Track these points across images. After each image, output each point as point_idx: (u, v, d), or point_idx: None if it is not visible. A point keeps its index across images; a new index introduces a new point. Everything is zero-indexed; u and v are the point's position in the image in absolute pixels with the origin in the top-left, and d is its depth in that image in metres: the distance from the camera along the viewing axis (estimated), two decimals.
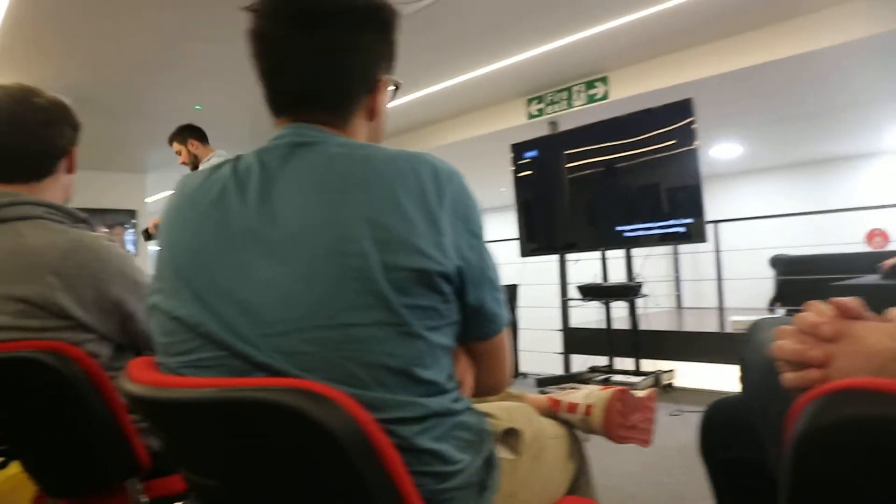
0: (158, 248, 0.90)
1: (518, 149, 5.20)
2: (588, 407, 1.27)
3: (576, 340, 5.51)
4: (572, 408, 1.28)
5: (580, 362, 5.30)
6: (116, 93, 5.77)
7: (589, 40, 5.10)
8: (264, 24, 0.87)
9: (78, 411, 1.21)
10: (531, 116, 6.42)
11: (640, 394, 1.37)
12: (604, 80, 5.89)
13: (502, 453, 0.99)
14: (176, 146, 4.09)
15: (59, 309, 1.23)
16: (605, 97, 5.88)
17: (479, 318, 0.86)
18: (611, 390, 1.30)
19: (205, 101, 6.16)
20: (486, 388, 0.95)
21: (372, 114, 0.94)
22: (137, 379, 0.77)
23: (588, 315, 5.45)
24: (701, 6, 4.57)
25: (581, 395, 1.31)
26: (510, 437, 1.04)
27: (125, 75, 5.28)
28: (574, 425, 1.30)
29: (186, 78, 5.47)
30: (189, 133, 4.06)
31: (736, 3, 4.55)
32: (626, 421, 1.29)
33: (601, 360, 4.98)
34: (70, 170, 1.46)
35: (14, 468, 1.74)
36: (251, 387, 0.66)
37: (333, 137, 0.86)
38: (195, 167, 4.14)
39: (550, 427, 1.20)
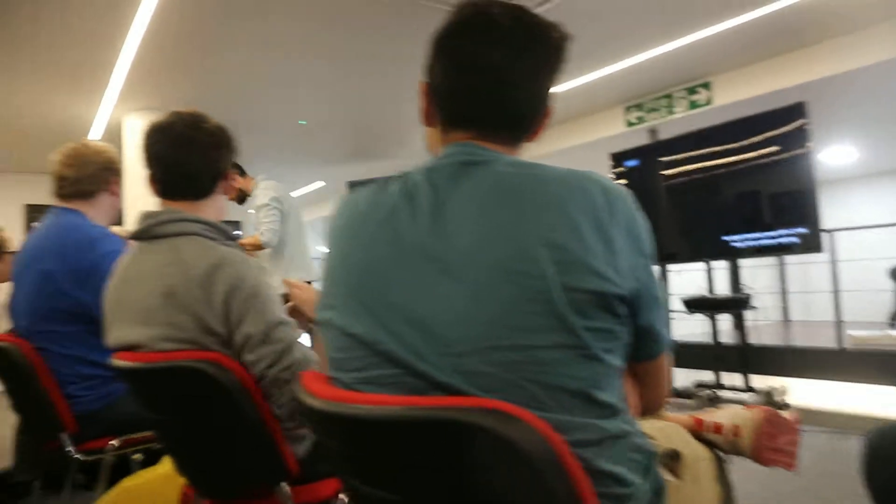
0: (327, 264, 0.94)
1: (618, 158, 5.09)
2: (736, 428, 1.22)
3: (679, 355, 5.30)
4: (718, 428, 1.24)
5: (682, 377, 5.10)
6: (227, 108, 6.05)
7: (691, 46, 4.96)
8: (473, 43, 0.89)
9: (233, 418, 1.28)
10: (629, 124, 6.30)
11: (786, 415, 1.31)
12: (706, 85, 5.70)
13: (665, 476, 0.97)
14: None
15: (204, 322, 1.30)
16: (708, 103, 5.69)
17: (647, 338, 0.86)
18: (759, 411, 1.25)
19: (308, 116, 6.38)
20: (648, 408, 0.93)
21: (535, 136, 0.96)
22: (318, 393, 0.80)
23: (689, 328, 5.25)
24: (812, 6, 4.36)
25: (725, 414, 1.26)
26: (672, 459, 1.01)
27: (236, 92, 5.54)
28: (718, 446, 1.25)
29: (292, 94, 5.69)
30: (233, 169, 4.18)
31: (849, 1, 4.31)
32: (774, 443, 1.24)
33: (706, 375, 4.76)
34: (226, 190, 1.55)
35: (165, 466, 1.86)
36: (443, 406, 0.67)
37: (502, 156, 0.87)
38: (242, 200, 4.23)
39: (701, 448, 1.16)
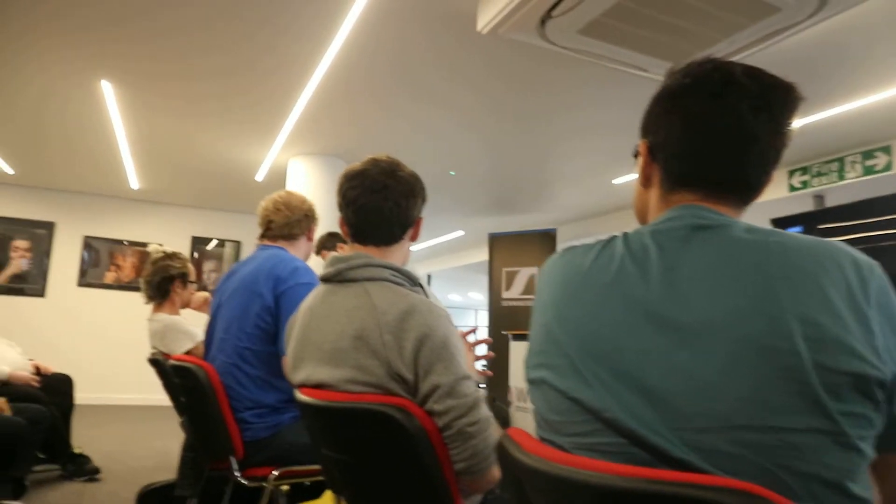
0: (538, 322, 0.93)
1: (779, 224, 4.80)
2: None
3: None
4: None
5: None
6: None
7: (870, 108, 4.63)
8: (713, 100, 0.87)
9: (413, 465, 1.28)
10: (793, 189, 5.94)
11: None
12: (886, 149, 5.28)
13: None
14: (325, 254, 4.12)
15: (392, 367, 1.31)
16: (887, 168, 5.26)
17: None
18: None
19: (456, 167, 6.55)
20: None
21: (754, 200, 0.92)
22: (536, 452, 0.78)
23: None
24: None
25: None
26: None
27: (392, 140, 5.80)
28: None
29: (444, 145, 5.87)
30: (336, 238, 4.10)
31: None
32: None
33: None
34: (413, 237, 1.60)
35: (325, 501, 1.91)
36: (691, 483, 0.64)
37: (736, 221, 0.84)
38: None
39: None
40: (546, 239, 7.36)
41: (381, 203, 1.49)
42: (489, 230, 8.31)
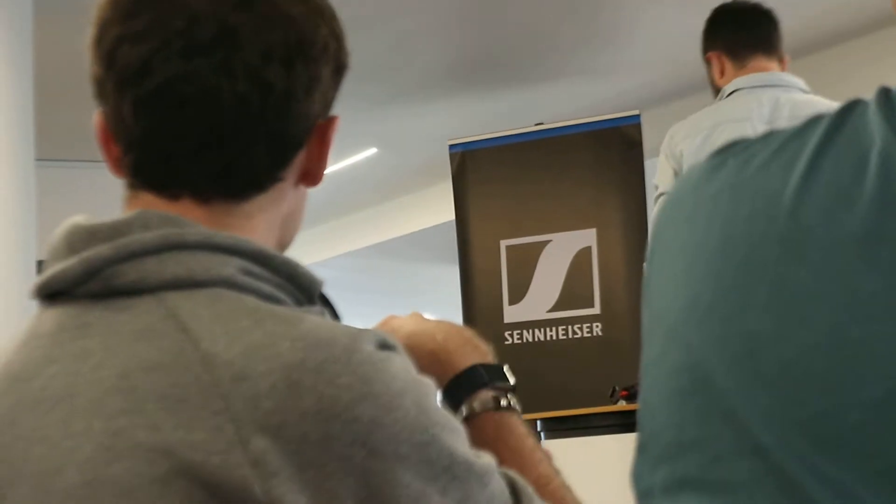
0: (667, 354, 0.43)
1: None
2: None
3: None
4: None
5: None
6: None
7: None
8: None
9: None
10: None
11: None
12: None
13: None
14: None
15: None
16: None
17: None
18: None
19: None
20: None
21: None
22: None
23: None
24: None
25: None
26: None
27: None
28: None
29: None
30: None
31: None
32: None
33: None
34: (309, 175, 1.02)
35: None
36: None
37: None
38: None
39: None
40: (618, 144, 3.47)
41: (219, 82, 0.64)
42: (452, 135, 3.97)
